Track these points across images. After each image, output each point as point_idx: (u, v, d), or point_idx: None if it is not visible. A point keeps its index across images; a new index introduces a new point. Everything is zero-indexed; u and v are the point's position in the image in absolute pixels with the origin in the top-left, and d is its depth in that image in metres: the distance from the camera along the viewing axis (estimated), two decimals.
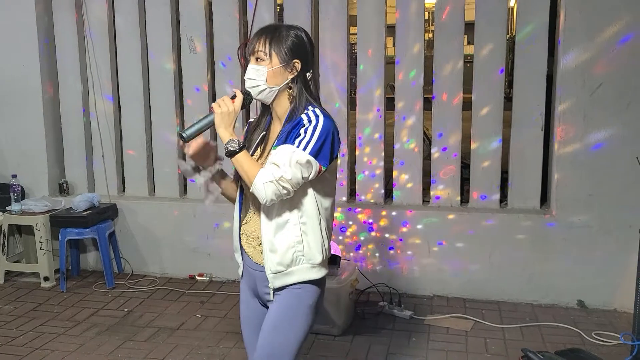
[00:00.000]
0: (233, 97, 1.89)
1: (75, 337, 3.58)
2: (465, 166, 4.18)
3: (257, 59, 1.89)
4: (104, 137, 4.61)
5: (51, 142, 4.70)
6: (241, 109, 1.89)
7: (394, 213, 4.13)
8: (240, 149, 1.83)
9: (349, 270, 3.67)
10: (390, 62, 4.14)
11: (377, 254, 4.16)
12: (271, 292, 1.95)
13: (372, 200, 4.24)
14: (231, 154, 1.83)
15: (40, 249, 4.34)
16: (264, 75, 1.88)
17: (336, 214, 4.20)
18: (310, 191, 1.90)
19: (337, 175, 4.19)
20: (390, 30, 4.09)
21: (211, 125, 1.86)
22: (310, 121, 1.85)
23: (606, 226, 3.78)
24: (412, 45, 4.03)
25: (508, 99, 4.04)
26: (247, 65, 1.92)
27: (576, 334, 3.50)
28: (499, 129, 3.99)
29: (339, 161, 2.01)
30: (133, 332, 3.63)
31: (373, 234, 4.16)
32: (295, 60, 1.90)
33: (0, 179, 4.71)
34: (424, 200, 4.20)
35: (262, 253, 1.94)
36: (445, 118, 4.04)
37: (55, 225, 4.34)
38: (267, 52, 1.88)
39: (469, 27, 3.97)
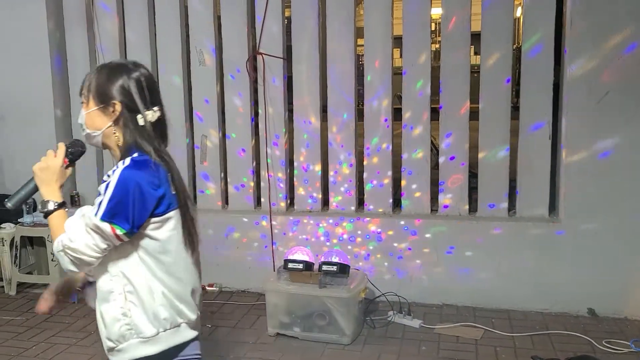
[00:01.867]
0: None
1: (87, 347, 3.60)
2: (473, 175, 4.19)
3: (82, 102, 1.74)
4: None
5: None
6: (71, 161, 1.77)
7: (402, 222, 4.14)
8: (51, 212, 1.68)
9: (357, 279, 3.68)
10: (397, 73, 4.18)
11: (385, 263, 4.17)
12: None
13: (381, 210, 4.26)
14: (44, 215, 1.70)
15: (52, 260, 4.38)
16: (83, 119, 1.73)
17: (345, 224, 4.23)
18: (136, 254, 1.66)
19: (345, 185, 4.27)
20: (397, 41, 4.13)
21: (37, 188, 1.74)
22: (109, 176, 1.63)
23: (615, 233, 3.78)
24: (419, 56, 4.07)
25: (515, 108, 4.07)
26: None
27: (587, 342, 3.49)
28: (507, 138, 4.01)
29: (175, 215, 1.70)
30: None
31: (382, 243, 4.17)
32: (114, 102, 1.67)
33: (11, 191, 4.76)
34: (432, 210, 4.22)
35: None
36: (453, 127, 4.07)
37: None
38: (86, 94, 1.72)
39: (475, 37, 4.01)
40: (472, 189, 4.18)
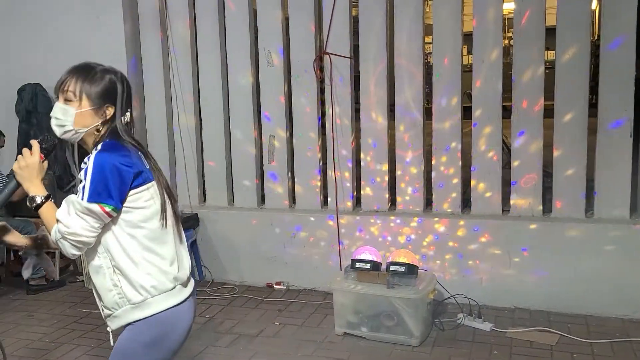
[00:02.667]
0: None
1: None
2: (547, 174, 4.05)
3: (65, 99, 1.82)
4: (186, 149, 4.80)
5: None
6: (46, 156, 1.85)
7: (472, 223, 4.04)
8: (40, 205, 1.80)
9: (426, 280, 3.62)
10: (467, 70, 4.09)
11: (455, 265, 4.09)
12: (110, 335, 1.93)
13: (450, 210, 4.18)
14: (34, 209, 1.81)
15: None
16: (72, 117, 1.81)
17: (412, 224, 4.18)
18: (114, 229, 1.81)
19: (412, 185, 4.22)
20: (467, 37, 4.04)
21: (18, 186, 1.83)
22: (86, 163, 1.78)
23: None
24: (490, 52, 3.96)
25: (592, 105, 3.89)
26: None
27: None
28: (584, 136, 3.84)
29: (151, 187, 1.85)
30: (215, 338, 3.73)
31: (451, 244, 4.09)
32: (108, 106, 1.84)
33: None
34: (503, 210, 4.10)
35: None
36: (526, 125, 3.94)
37: None
38: (77, 93, 1.81)
39: (550, 32, 3.87)
40: (547, 189, 4.04)
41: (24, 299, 4.54)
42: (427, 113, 4.26)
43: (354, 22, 4.35)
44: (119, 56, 4.79)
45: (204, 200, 4.90)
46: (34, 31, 5.02)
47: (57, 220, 1.77)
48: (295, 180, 4.59)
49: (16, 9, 5.06)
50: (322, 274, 4.31)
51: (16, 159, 1.84)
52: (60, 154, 5.29)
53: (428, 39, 4.23)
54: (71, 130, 1.82)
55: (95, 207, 1.73)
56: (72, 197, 1.78)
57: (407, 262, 3.61)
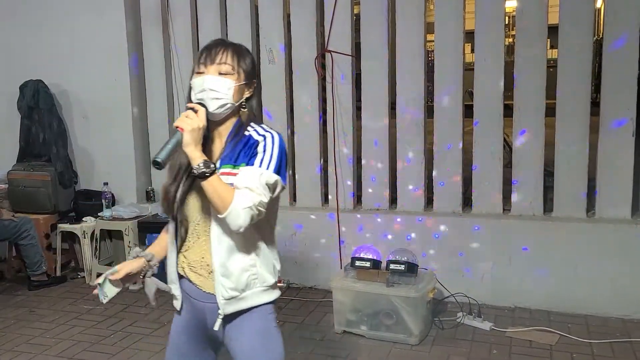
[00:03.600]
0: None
1: (160, 338, 3.72)
2: (548, 174, 4.03)
3: (221, 72, 1.75)
4: None
5: (139, 152, 4.96)
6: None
7: (473, 222, 4.04)
8: (214, 171, 1.67)
9: (426, 279, 3.62)
10: (468, 69, 4.08)
11: (455, 263, 4.08)
12: (219, 320, 1.79)
13: (450, 209, 4.17)
14: (203, 176, 1.65)
15: (129, 253, 4.55)
16: (231, 90, 1.75)
17: (413, 222, 4.17)
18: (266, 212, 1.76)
19: (413, 184, 4.22)
20: (469, 35, 4.02)
21: (180, 144, 1.68)
22: (265, 139, 1.75)
23: None
24: (492, 51, 3.95)
25: (594, 104, 3.87)
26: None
27: None
28: (585, 135, 3.82)
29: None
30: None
31: (451, 242, 4.08)
32: (254, 80, 1.84)
33: (93, 187, 5.02)
34: (504, 209, 4.09)
35: (213, 280, 1.80)
36: (527, 124, 3.92)
37: (143, 231, 4.56)
38: (235, 66, 1.77)
39: (552, 30, 3.84)
40: (548, 188, 4.02)
41: (25, 295, 4.55)
42: (429, 111, 4.25)
43: (356, 19, 4.34)
44: (121, 53, 4.80)
45: None
46: (35, 28, 5.03)
47: (248, 188, 1.67)
48: (296, 177, 4.59)
49: (18, 6, 5.07)
50: (322, 272, 4.31)
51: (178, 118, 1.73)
52: (62, 150, 5.29)
53: (430, 37, 4.22)
54: (227, 104, 1.76)
55: (280, 181, 1.74)
56: (253, 169, 1.71)
57: (407, 260, 3.60)
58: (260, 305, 1.82)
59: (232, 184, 1.69)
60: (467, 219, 4.06)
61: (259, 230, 1.79)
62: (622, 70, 3.68)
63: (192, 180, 1.78)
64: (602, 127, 3.78)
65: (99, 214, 4.73)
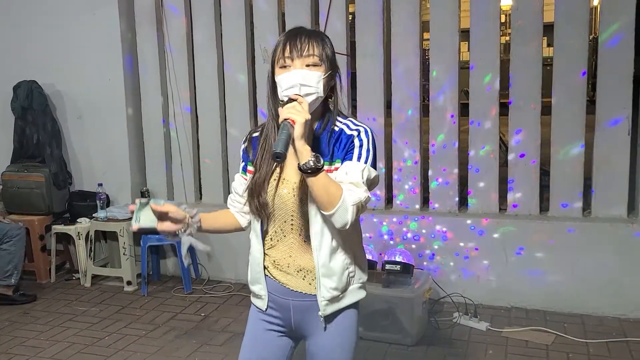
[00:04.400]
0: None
1: (155, 339, 3.71)
2: (544, 173, 4.02)
3: (308, 64, 1.67)
4: (182, 146, 4.78)
5: (134, 152, 4.93)
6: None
7: (469, 221, 4.02)
8: (322, 167, 1.58)
9: (422, 279, 3.61)
10: (464, 67, 4.06)
11: (451, 263, 4.06)
12: (322, 321, 1.77)
13: (446, 208, 4.15)
14: (313, 171, 1.56)
15: (124, 254, 4.54)
16: (321, 83, 1.67)
17: (409, 222, 4.16)
18: None
19: (409, 183, 4.20)
20: (465, 34, 4.01)
21: (291, 137, 1.59)
22: (359, 133, 1.70)
23: None
24: (488, 49, 3.93)
25: (590, 102, 3.86)
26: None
27: None
28: (581, 134, 3.81)
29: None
30: (209, 337, 3.72)
31: (447, 242, 4.07)
32: (338, 69, 1.77)
33: (88, 188, 4.99)
34: (500, 208, 4.07)
35: (303, 279, 1.77)
36: (523, 123, 3.91)
37: (138, 232, 4.52)
38: (322, 56, 1.69)
39: (548, 28, 3.83)
40: (544, 187, 4.01)
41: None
42: (424, 110, 4.23)
43: (351, 18, 4.32)
44: (115, 53, 4.77)
45: (200, 198, 4.89)
46: (29, 28, 5.00)
47: (353, 184, 1.63)
48: None
49: (12, 6, 5.03)
50: None
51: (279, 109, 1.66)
52: (56, 151, 5.25)
53: (425, 36, 4.20)
54: (318, 97, 1.68)
55: (378, 175, 1.71)
56: (355, 164, 1.66)
57: (403, 261, 3.59)
58: (353, 303, 1.81)
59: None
60: (463, 219, 4.05)
61: (354, 226, 1.72)
62: (617, 69, 3.67)
63: (282, 175, 1.75)
64: (598, 125, 3.77)
65: (93, 215, 4.71)
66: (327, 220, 1.66)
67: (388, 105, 4.27)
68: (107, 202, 4.78)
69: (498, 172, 4.05)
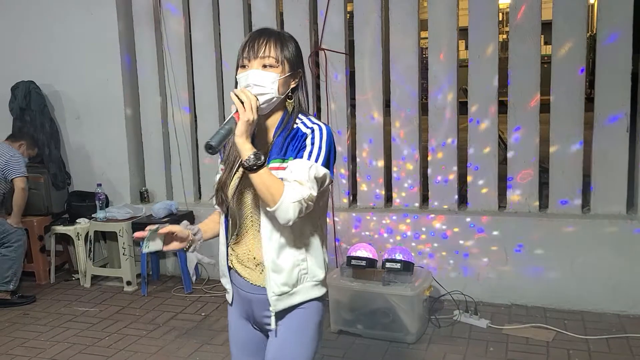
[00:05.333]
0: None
1: (155, 339, 3.71)
2: (543, 170, 4.03)
3: (265, 65, 1.70)
4: (181, 146, 4.78)
5: (133, 153, 4.93)
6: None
7: (468, 219, 4.03)
8: (264, 164, 1.62)
9: (422, 277, 3.61)
10: (463, 65, 4.06)
11: (451, 261, 4.07)
12: (272, 317, 1.79)
13: (446, 207, 4.16)
14: (253, 168, 1.61)
15: (123, 254, 4.54)
16: (276, 83, 1.70)
17: (409, 221, 4.17)
18: (314, 206, 1.72)
19: (409, 181, 4.20)
20: (463, 32, 4.01)
21: (232, 133, 1.63)
22: (313, 131, 1.71)
23: None
24: (486, 47, 3.94)
25: (589, 100, 3.87)
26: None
27: None
28: (580, 131, 3.82)
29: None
30: (210, 336, 3.72)
31: (447, 240, 4.08)
32: (300, 70, 1.78)
33: (86, 188, 4.99)
34: (500, 206, 4.08)
35: (261, 274, 1.79)
36: (522, 121, 3.92)
37: (137, 232, 4.52)
38: (279, 58, 1.71)
39: (546, 26, 3.84)
40: (543, 185, 4.02)
41: None
42: (423, 109, 4.24)
43: (349, 17, 4.33)
44: (113, 53, 4.77)
45: (199, 198, 4.89)
46: (27, 29, 4.99)
47: (297, 182, 1.63)
48: None
49: (9, 7, 5.03)
50: None
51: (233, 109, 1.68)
52: (54, 152, 5.24)
53: (424, 34, 4.20)
54: (273, 97, 1.71)
55: (329, 174, 1.70)
56: (302, 162, 1.67)
57: (403, 259, 3.59)
58: (310, 300, 1.81)
59: (282, 179, 1.65)
60: (462, 217, 4.06)
61: (309, 224, 1.77)
62: (615, 67, 3.68)
63: (244, 173, 1.74)
64: (597, 123, 3.78)
65: (92, 215, 4.70)
66: (273, 217, 1.68)
67: (387, 104, 4.28)
68: (106, 203, 4.78)
69: (497, 170, 4.06)
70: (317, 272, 1.81)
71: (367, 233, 4.25)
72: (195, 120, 4.80)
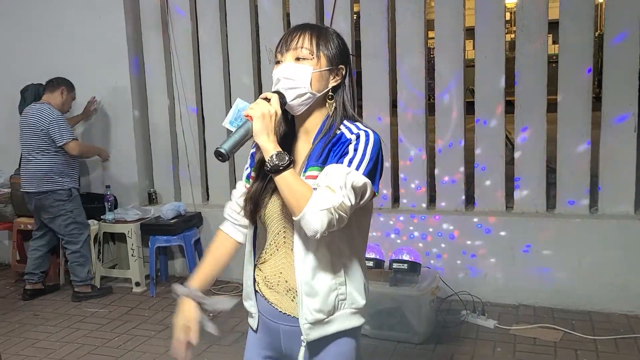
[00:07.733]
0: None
1: (164, 340, 3.73)
2: (550, 170, 4.02)
3: (298, 57, 1.54)
4: (189, 148, 4.80)
5: (141, 154, 4.96)
6: (282, 112, 1.52)
7: (475, 219, 4.02)
8: (289, 165, 1.43)
9: (429, 278, 3.61)
10: (469, 65, 4.06)
11: (458, 262, 4.07)
12: (302, 349, 1.57)
13: (453, 207, 4.16)
14: (276, 170, 1.43)
15: (132, 255, 4.57)
16: (308, 77, 1.52)
17: (416, 221, 4.17)
18: (352, 222, 1.53)
19: (416, 182, 4.20)
20: (470, 32, 4.01)
21: (250, 135, 1.46)
22: (358, 137, 1.51)
23: None
24: (493, 47, 3.93)
25: (597, 99, 3.86)
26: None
27: None
28: (588, 131, 3.81)
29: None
30: (218, 337, 3.74)
31: (454, 241, 4.08)
32: (341, 66, 1.59)
33: (95, 190, 5.02)
34: (507, 206, 4.07)
35: (292, 301, 1.59)
36: (529, 121, 3.91)
37: (145, 233, 4.56)
38: (314, 50, 1.54)
39: (553, 25, 3.83)
40: (550, 185, 4.01)
41: (30, 299, 4.55)
42: (430, 109, 4.24)
43: (356, 17, 4.33)
44: (121, 56, 4.80)
45: (207, 199, 4.91)
46: (36, 32, 5.04)
47: (329, 187, 1.43)
48: None
49: (18, 10, 5.07)
50: None
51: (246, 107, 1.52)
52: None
53: (430, 34, 4.20)
54: (306, 93, 1.53)
55: (370, 185, 1.48)
56: (339, 167, 1.47)
57: (410, 259, 3.60)
58: (346, 331, 1.59)
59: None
60: (470, 217, 4.05)
61: (349, 243, 1.58)
62: (623, 66, 3.67)
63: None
64: (604, 122, 3.77)
65: (101, 217, 4.73)
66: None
67: (394, 105, 4.28)
68: (115, 204, 4.81)
69: (504, 170, 4.05)
70: (357, 299, 1.60)
71: (375, 233, 4.26)
72: (203, 122, 4.82)
